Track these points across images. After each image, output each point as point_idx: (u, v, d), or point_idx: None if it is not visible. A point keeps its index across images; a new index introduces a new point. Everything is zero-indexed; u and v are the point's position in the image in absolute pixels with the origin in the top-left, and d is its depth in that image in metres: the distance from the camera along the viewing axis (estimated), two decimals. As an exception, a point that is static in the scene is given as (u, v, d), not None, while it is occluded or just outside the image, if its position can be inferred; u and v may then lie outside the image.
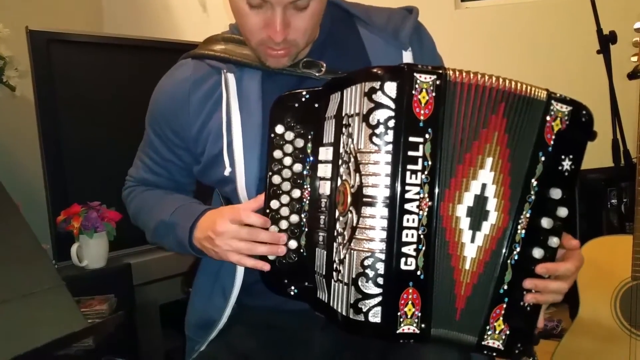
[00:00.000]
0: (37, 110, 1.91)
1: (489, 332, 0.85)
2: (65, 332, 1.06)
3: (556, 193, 0.84)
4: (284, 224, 0.93)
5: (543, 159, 0.84)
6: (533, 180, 0.84)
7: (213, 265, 1.05)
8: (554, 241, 0.85)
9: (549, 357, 1.63)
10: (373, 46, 1.05)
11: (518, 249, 0.84)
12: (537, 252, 0.85)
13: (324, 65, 1.01)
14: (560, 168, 0.84)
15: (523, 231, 0.84)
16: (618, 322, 1.57)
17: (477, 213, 0.84)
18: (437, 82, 0.81)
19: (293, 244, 0.93)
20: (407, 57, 1.04)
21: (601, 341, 1.57)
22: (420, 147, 0.80)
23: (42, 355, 1.01)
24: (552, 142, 0.84)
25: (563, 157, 0.84)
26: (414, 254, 0.80)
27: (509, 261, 0.84)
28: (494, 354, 0.86)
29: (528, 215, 0.84)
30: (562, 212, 0.85)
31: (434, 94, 0.81)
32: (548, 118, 0.84)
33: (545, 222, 0.84)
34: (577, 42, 2.37)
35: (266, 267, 0.92)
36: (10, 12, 2.08)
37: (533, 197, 0.84)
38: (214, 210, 1.00)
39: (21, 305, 1.05)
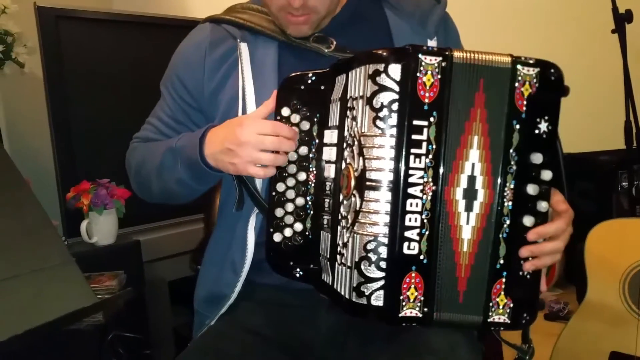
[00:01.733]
0: (46, 86, 1.91)
1: (493, 309, 0.85)
2: (75, 308, 1.07)
3: (537, 158, 0.83)
4: (289, 207, 0.93)
5: (518, 127, 0.82)
6: (511, 150, 0.82)
7: (224, 239, 1.06)
8: (542, 206, 0.83)
9: (555, 339, 1.64)
10: (399, 31, 1.05)
11: (508, 222, 0.83)
12: (528, 220, 0.83)
13: (334, 42, 1.02)
14: (537, 132, 0.82)
15: (510, 203, 0.83)
16: (626, 305, 1.56)
17: (470, 194, 0.83)
18: (443, 64, 0.80)
19: (299, 226, 0.93)
20: (432, 45, 1.04)
21: (608, 324, 1.57)
22: (425, 130, 0.79)
23: (52, 330, 1.02)
24: (524, 109, 0.82)
25: (538, 120, 0.82)
26: (417, 238, 0.80)
27: (500, 235, 0.83)
28: (502, 328, 0.86)
29: (512, 186, 0.83)
30: (547, 175, 0.83)
31: (439, 76, 0.80)
32: (516, 84, 0.82)
33: (531, 189, 0.83)
34: (592, 21, 2.32)
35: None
36: (18, -12, 2.07)
37: (514, 167, 0.82)
38: (224, 123, 0.97)
39: (31, 281, 1.06)
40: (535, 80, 0.82)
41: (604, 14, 1.92)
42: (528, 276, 0.85)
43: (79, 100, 1.98)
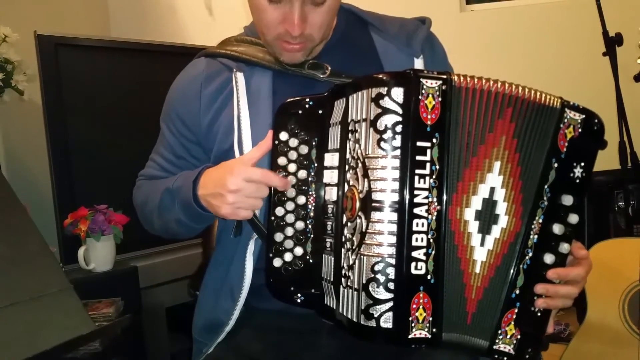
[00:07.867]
0: (45, 113, 1.91)
1: (501, 337, 0.85)
2: (74, 335, 1.06)
3: (568, 200, 0.85)
4: (289, 231, 0.92)
5: (556, 165, 0.85)
6: (546, 186, 0.85)
7: (222, 266, 1.06)
8: (564, 247, 0.85)
9: (557, 360, 1.63)
10: (386, 52, 1.07)
11: (530, 254, 0.85)
12: (548, 258, 0.85)
13: (329, 67, 1.03)
14: (572, 175, 0.85)
15: (535, 236, 0.84)
16: (626, 326, 1.56)
17: (487, 216, 0.84)
18: (443, 87, 0.82)
19: (299, 250, 0.93)
20: (419, 64, 1.06)
21: (609, 345, 1.56)
22: (428, 151, 0.81)
23: (50, 359, 1.01)
24: (564, 149, 0.85)
25: (575, 164, 0.85)
26: (424, 258, 0.80)
27: (521, 266, 0.85)
28: (505, 358, 0.86)
29: (541, 220, 0.85)
30: (573, 218, 0.85)
31: (440, 99, 0.82)
32: (562, 125, 0.85)
33: (557, 228, 0.85)
34: (583, 44, 2.36)
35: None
36: (19, 17, 2.09)
37: (546, 202, 0.85)
38: (217, 166, 0.99)
39: (30, 308, 1.05)
40: (579, 126, 0.86)
41: (595, 38, 1.96)
42: (539, 313, 0.86)
43: (77, 126, 1.98)
